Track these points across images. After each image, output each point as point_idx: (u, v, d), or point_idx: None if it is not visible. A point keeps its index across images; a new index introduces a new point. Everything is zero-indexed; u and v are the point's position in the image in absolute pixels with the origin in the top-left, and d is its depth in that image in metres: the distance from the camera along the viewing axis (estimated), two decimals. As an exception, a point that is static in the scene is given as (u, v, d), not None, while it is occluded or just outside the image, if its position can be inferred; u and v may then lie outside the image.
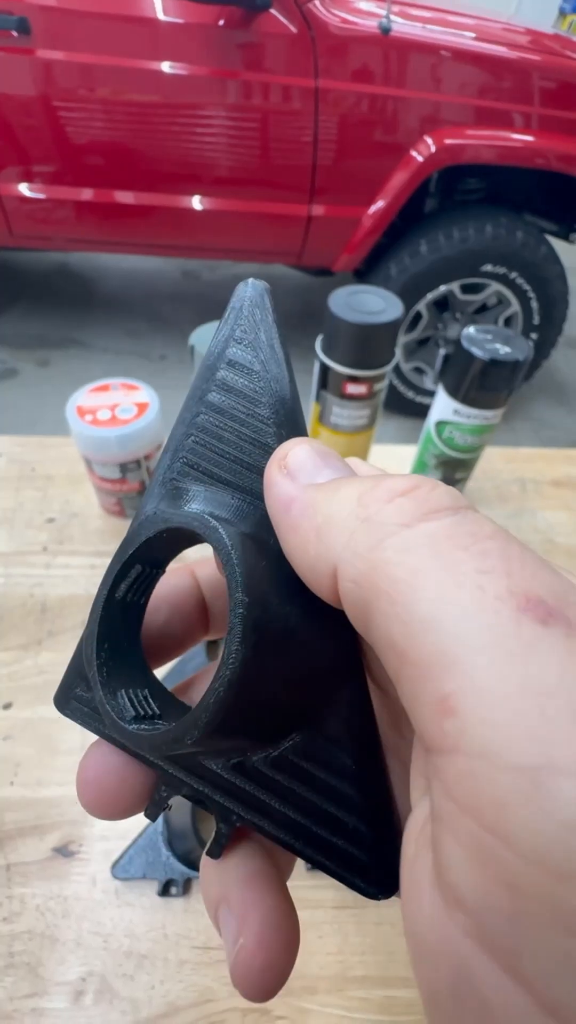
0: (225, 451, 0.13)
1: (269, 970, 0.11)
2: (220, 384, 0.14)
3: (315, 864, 0.13)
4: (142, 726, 0.11)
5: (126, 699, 0.12)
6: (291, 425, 0.14)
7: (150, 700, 0.12)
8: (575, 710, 0.07)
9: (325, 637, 0.12)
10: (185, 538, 0.13)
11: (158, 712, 0.12)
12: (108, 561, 0.50)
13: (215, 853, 0.13)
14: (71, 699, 0.13)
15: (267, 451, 0.13)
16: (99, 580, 0.45)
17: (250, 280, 0.14)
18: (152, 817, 0.13)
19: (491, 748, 0.07)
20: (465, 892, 0.07)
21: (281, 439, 0.13)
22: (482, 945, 0.07)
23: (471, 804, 0.07)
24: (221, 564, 0.11)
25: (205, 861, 0.13)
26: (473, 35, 1.34)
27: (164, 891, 0.32)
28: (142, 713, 0.12)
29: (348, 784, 0.12)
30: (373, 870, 0.12)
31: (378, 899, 0.12)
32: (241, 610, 0.10)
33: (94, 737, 0.14)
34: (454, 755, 0.07)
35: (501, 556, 0.08)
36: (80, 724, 0.13)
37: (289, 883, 0.33)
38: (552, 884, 0.06)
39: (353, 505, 0.10)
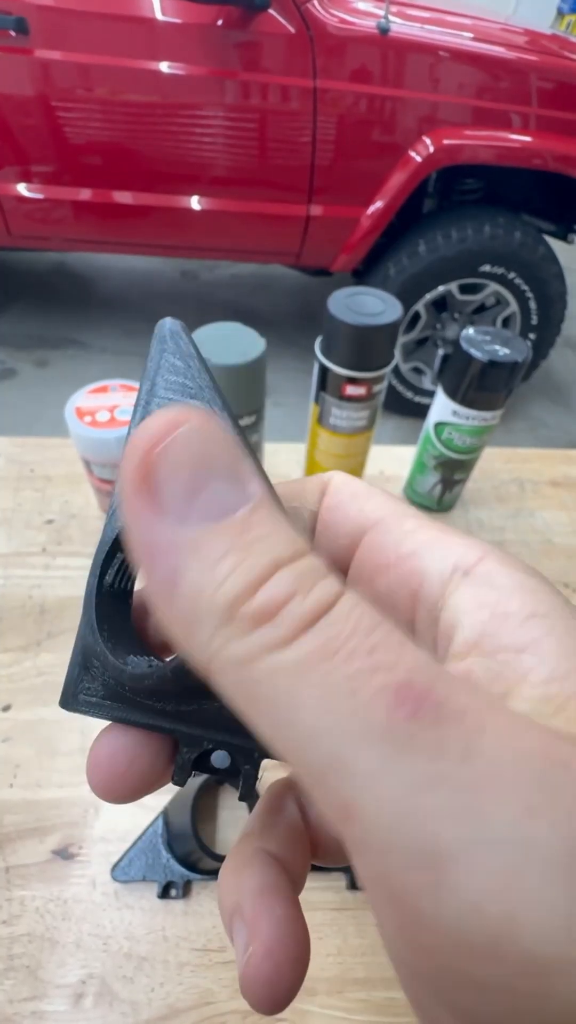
0: None
1: (276, 981, 0.11)
2: (162, 398, 0.14)
3: None
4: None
5: (137, 660, 0.12)
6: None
7: (156, 661, 0.13)
8: (450, 800, 0.07)
9: None
10: None
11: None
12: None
13: (251, 795, 0.13)
14: (78, 694, 0.13)
15: None
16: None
17: (167, 320, 0.15)
18: (180, 782, 0.13)
19: (392, 848, 0.07)
20: (399, 961, 0.09)
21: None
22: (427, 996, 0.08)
23: (387, 897, 0.08)
24: None
25: (225, 872, 0.13)
26: (471, 35, 1.34)
27: (164, 893, 0.32)
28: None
29: None
30: None
31: None
32: None
33: (90, 739, 0.14)
34: (364, 856, 0.08)
35: (366, 653, 0.08)
36: (92, 715, 0.13)
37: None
38: (453, 953, 0.07)
39: (221, 604, 0.08)
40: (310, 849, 0.14)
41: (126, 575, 0.14)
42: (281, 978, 0.11)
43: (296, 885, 0.13)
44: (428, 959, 0.08)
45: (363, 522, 0.14)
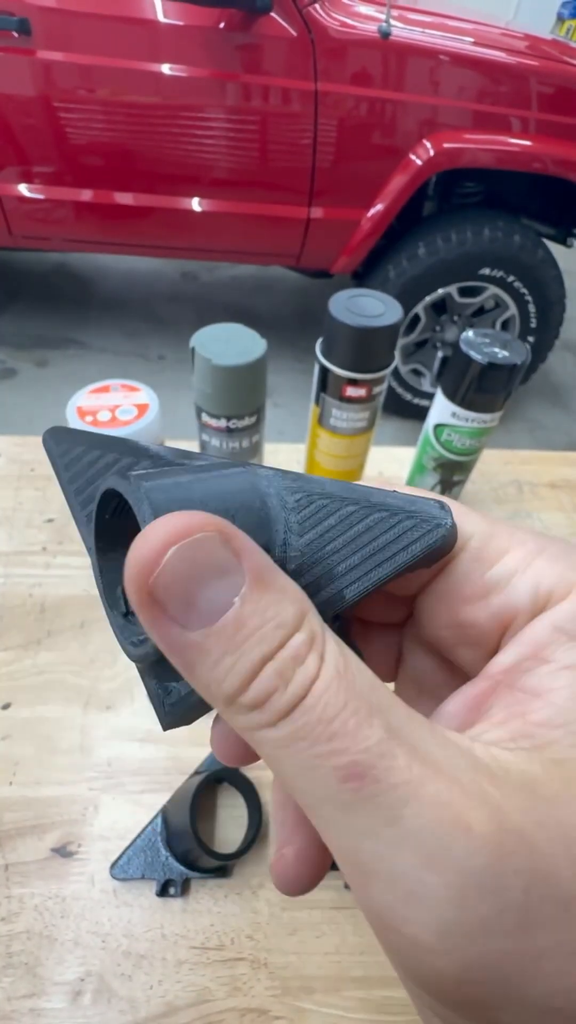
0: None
1: (300, 879, 0.14)
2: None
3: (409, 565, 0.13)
4: None
5: None
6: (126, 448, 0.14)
7: None
8: (375, 848, 0.10)
9: None
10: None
11: None
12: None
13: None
14: (175, 708, 0.13)
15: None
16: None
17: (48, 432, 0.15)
18: None
19: (342, 863, 0.10)
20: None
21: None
22: None
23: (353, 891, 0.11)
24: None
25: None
26: (472, 40, 1.35)
27: (162, 891, 0.32)
28: None
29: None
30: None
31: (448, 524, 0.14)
32: None
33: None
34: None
35: (327, 740, 0.10)
36: (195, 718, 0.13)
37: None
38: (381, 934, 0.10)
39: (223, 696, 0.11)
40: None
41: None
42: (303, 877, 0.14)
43: None
44: (383, 940, 0.10)
45: None
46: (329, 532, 0.13)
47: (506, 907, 0.09)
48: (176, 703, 0.13)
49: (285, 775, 0.11)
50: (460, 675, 0.15)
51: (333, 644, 0.11)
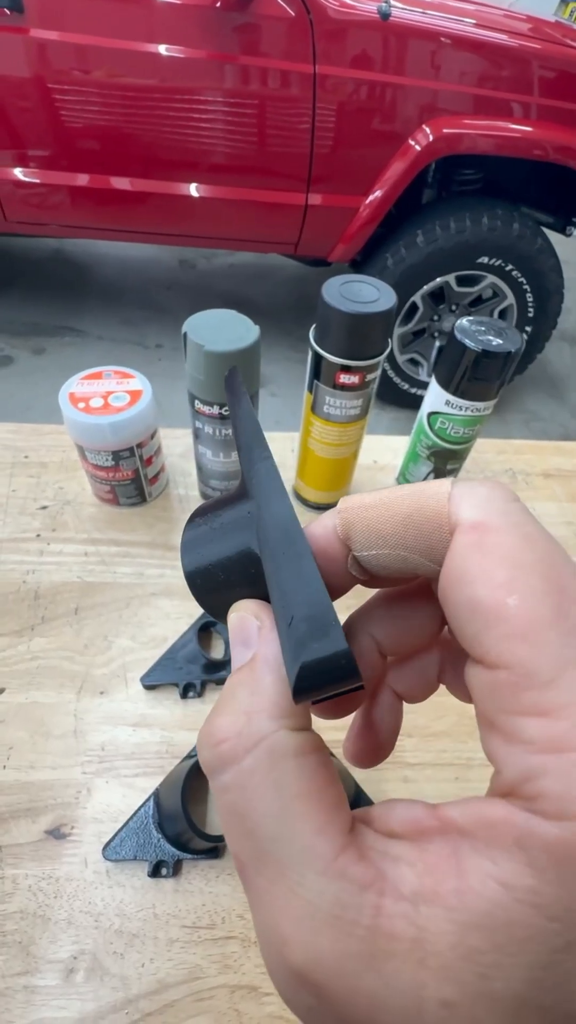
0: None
1: (358, 756, 0.17)
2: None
3: None
4: None
5: None
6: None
7: None
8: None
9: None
10: None
11: None
12: (101, 548, 0.49)
13: None
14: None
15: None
16: (92, 567, 0.45)
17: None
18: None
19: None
20: None
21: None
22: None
23: None
24: None
25: None
26: (473, 21, 1.32)
27: (154, 872, 0.32)
28: None
29: None
30: None
31: None
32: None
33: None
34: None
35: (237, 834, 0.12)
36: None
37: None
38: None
39: (215, 737, 0.13)
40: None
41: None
42: (363, 755, 0.17)
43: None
44: None
45: (499, 620, 0.11)
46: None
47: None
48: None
49: (227, 832, 0.12)
50: None
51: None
